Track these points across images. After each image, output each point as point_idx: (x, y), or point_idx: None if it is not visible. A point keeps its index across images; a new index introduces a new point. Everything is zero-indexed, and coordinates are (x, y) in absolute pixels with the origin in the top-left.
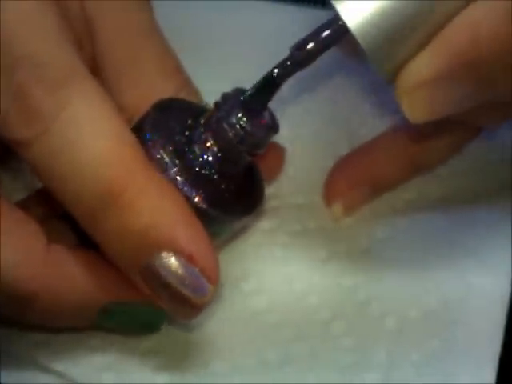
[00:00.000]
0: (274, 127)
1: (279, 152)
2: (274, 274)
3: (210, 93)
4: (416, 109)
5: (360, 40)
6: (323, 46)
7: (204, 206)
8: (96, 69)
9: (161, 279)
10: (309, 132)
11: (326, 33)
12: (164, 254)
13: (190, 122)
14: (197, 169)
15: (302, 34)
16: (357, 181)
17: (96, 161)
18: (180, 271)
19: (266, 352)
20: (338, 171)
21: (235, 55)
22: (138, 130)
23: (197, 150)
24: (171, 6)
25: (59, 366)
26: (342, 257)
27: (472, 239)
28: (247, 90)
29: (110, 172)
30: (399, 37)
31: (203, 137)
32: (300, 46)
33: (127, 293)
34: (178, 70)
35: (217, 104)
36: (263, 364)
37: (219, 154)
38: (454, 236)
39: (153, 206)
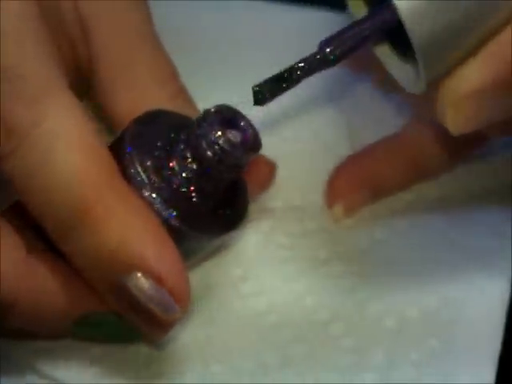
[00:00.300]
0: (255, 147)
1: (269, 167)
2: (273, 275)
3: (210, 93)
4: (461, 119)
5: (411, 33)
6: (357, 43)
7: (178, 224)
8: (91, 70)
9: (129, 297)
10: (309, 133)
11: (361, 28)
12: (133, 274)
13: (172, 136)
14: (174, 186)
15: (303, 35)
16: (358, 183)
17: (67, 177)
18: (148, 291)
19: (265, 354)
20: (340, 173)
21: (235, 55)
22: (119, 142)
23: (176, 166)
24: (171, 6)
25: (58, 373)
26: (341, 257)
27: (471, 239)
28: (259, 81)
29: (80, 189)
30: (452, 36)
31: (183, 153)
32: (330, 41)
33: (99, 305)
34: (174, 77)
35: (197, 120)
36: (262, 366)
37: (198, 172)
38: (454, 236)
39: (122, 225)
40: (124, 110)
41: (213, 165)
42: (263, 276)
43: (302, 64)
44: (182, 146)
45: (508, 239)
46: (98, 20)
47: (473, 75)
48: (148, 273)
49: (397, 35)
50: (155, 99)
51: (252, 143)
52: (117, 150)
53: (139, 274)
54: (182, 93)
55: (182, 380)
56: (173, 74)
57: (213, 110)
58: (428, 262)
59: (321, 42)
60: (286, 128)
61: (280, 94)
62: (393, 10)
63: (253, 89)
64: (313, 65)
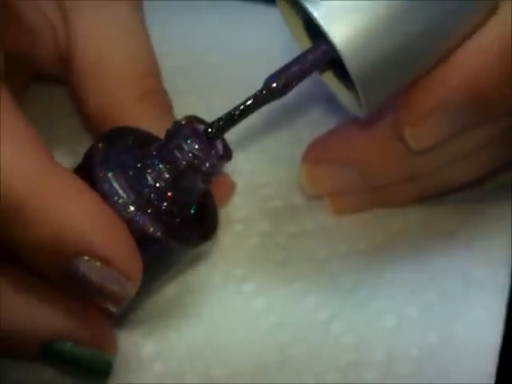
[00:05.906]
0: (227, 154)
1: (229, 185)
2: (273, 275)
3: (211, 93)
4: (421, 138)
5: (348, 65)
6: (300, 76)
7: (160, 235)
8: (69, 59)
9: (80, 282)
10: (309, 136)
11: (303, 61)
12: (78, 260)
13: (140, 151)
14: (154, 200)
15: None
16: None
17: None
18: (97, 273)
19: (265, 354)
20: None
21: (236, 57)
22: (88, 167)
23: (150, 179)
24: (171, 7)
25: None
26: (341, 257)
27: (470, 232)
28: (218, 119)
29: (8, 184)
30: (389, 65)
31: (157, 167)
32: (275, 76)
33: (69, 328)
34: (149, 75)
35: (169, 132)
36: (262, 366)
37: (173, 183)
38: (453, 229)
39: (58, 214)
40: (91, 104)
41: (188, 174)
42: (263, 276)
43: (251, 101)
44: (155, 160)
45: (507, 231)
46: (80, 8)
47: (431, 96)
48: (93, 256)
49: (339, 64)
50: (123, 97)
51: (223, 151)
52: (87, 174)
53: (86, 258)
54: (153, 93)
55: (182, 381)
56: (148, 72)
57: (184, 121)
58: (427, 257)
59: (267, 78)
60: (286, 132)
61: (231, 128)
62: (331, 43)
63: (205, 130)
64: (260, 100)
